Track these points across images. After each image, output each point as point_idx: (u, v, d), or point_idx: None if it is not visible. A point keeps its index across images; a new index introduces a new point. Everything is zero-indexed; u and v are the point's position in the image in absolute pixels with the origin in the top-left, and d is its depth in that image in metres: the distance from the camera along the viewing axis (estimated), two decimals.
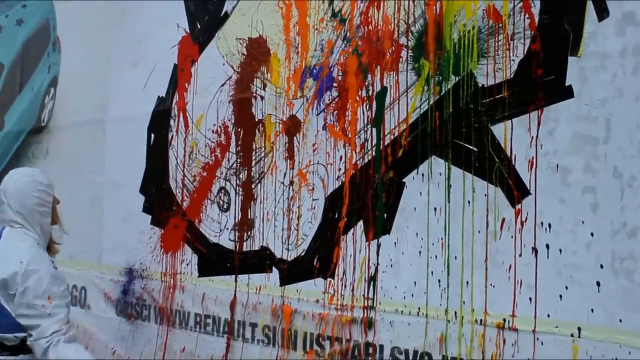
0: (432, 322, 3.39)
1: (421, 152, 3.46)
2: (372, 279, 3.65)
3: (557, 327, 2.97)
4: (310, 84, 3.99)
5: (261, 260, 4.20)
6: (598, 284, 2.88)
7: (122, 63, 5.28)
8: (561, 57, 3.01)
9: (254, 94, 4.28)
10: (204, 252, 4.55)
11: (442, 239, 3.38)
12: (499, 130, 3.19)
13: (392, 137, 3.59)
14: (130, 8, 5.23)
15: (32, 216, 3.60)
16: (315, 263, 3.91)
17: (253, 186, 4.26)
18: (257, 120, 4.27)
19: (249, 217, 4.28)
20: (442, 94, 3.40)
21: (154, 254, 4.86)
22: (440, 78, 3.41)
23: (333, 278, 3.82)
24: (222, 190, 4.44)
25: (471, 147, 3.27)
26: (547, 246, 3.02)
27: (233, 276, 4.35)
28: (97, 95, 5.48)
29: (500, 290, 3.16)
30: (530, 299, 3.06)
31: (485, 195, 3.22)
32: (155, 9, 5.00)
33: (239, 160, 4.36)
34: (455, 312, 3.31)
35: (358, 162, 3.73)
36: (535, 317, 3.04)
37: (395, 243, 3.56)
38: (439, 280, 3.38)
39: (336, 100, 3.86)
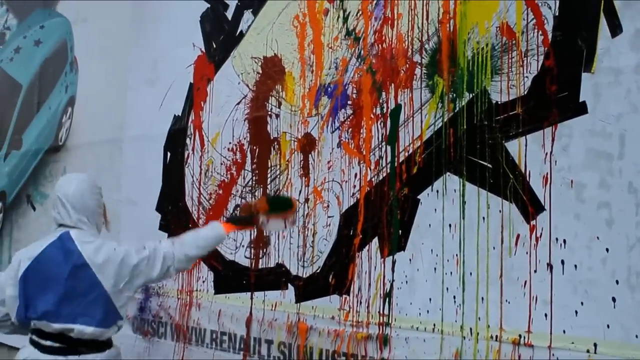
0: (447, 339, 3.39)
1: (436, 168, 3.47)
2: (388, 295, 3.65)
3: (573, 343, 2.96)
4: (325, 102, 4.02)
5: (277, 277, 4.21)
6: (614, 299, 2.87)
7: (138, 82, 5.32)
8: (575, 73, 3.01)
9: (269, 112, 4.31)
10: (220, 270, 4.57)
11: (457, 255, 3.38)
12: (513, 146, 3.20)
13: (406, 154, 3.60)
14: (146, 28, 5.29)
15: (94, 217, 3.78)
16: (330, 280, 3.92)
17: None
18: (272, 138, 4.29)
19: (265, 234, 4.30)
20: (456, 110, 3.41)
21: None
22: (454, 95, 3.42)
23: (348, 295, 3.83)
24: (238, 208, 4.46)
25: (485, 164, 3.28)
26: (562, 262, 3.01)
27: (249, 293, 4.36)
28: (114, 114, 5.53)
29: (515, 306, 3.15)
30: (545, 314, 3.06)
31: (500, 211, 3.23)
32: (171, 29, 5.05)
33: (254, 178, 4.39)
34: (471, 328, 3.30)
35: (373, 179, 3.74)
36: (551, 333, 3.03)
37: (410, 259, 3.57)
38: (454, 297, 3.38)
39: (351, 117, 3.88)
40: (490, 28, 3.33)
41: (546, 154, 3.09)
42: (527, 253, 3.13)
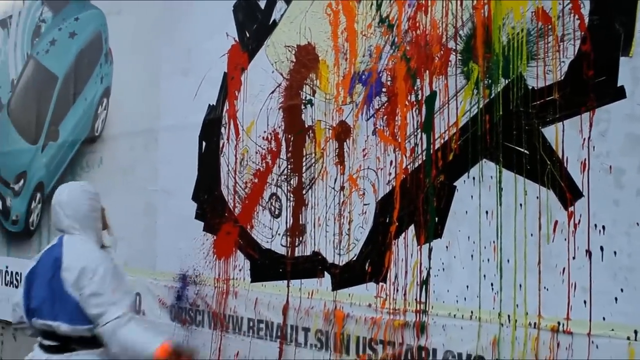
0: (485, 326, 3.39)
1: (472, 155, 3.46)
2: (424, 282, 3.65)
3: (612, 330, 2.94)
4: (360, 90, 4.01)
5: (313, 265, 4.22)
6: None
7: (172, 72, 5.34)
8: (612, 58, 2.98)
9: (304, 101, 4.31)
10: (256, 258, 4.59)
11: (494, 242, 3.37)
12: (550, 132, 3.18)
13: (442, 141, 3.59)
14: (180, 18, 5.30)
15: (87, 221, 3.95)
16: (367, 267, 3.93)
17: (304, 192, 4.29)
18: (307, 126, 4.29)
19: (301, 222, 4.31)
20: (491, 97, 3.39)
21: (207, 260, 4.91)
22: (490, 81, 3.40)
23: (385, 282, 3.83)
24: (274, 197, 4.48)
25: (522, 150, 3.26)
26: (602, 248, 2.99)
27: (285, 281, 4.38)
28: (149, 104, 5.56)
29: (554, 293, 3.14)
30: (584, 301, 3.04)
31: (537, 197, 3.21)
32: (205, 18, 5.06)
33: (289, 166, 4.40)
34: (509, 316, 3.30)
35: (408, 167, 3.73)
36: (590, 320, 3.02)
37: (447, 247, 3.56)
38: (492, 284, 3.37)
39: (385, 105, 3.87)
40: (525, 13, 3.30)
41: (584, 139, 3.06)
42: (565, 240, 3.11)
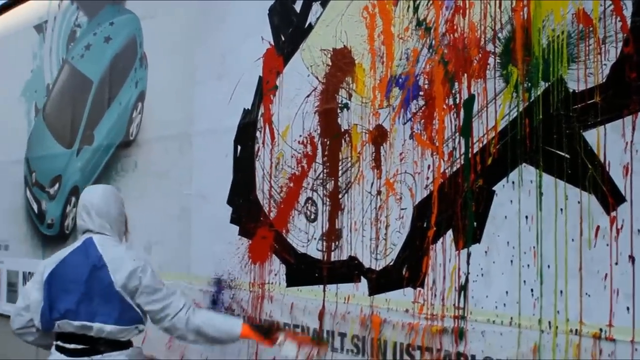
0: (525, 332, 3.34)
1: (511, 159, 3.42)
2: (463, 288, 3.62)
3: None
4: (396, 93, 3.98)
5: (349, 270, 4.20)
6: None
7: (207, 77, 5.35)
8: None
9: (340, 105, 4.30)
10: (291, 262, 4.58)
11: (534, 247, 3.32)
12: (591, 136, 3.13)
13: (480, 145, 3.55)
14: (214, 22, 5.31)
15: (117, 224, 4.05)
16: (404, 272, 3.90)
17: (340, 196, 4.27)
18: (343, 130, 4.27)
19: (337, 227, 4.29)
20: (531, 100, 3.35)
21: (242, 265, 4.91)
22: (530, 84, 3.36)
23: (423, 287, 3.80)
24: (309, 201, 4.47)
25: (563, 154, 3.21)
26: None
27: (321, 286, 4.36)
28: (184, 108, 5.58)
29: (596, 300, 3.09)
30: (627, 308, 2.99)
31: (579, 202, 3.16)
32: (239, 22, 5.06)
33: (325, 170, 4.38)
34: (550, 322, 3.25)
35: (446, 171, 3.70)
36: (633, 327, 2.96)
37: (485, 252, 3.52)
38: (532, 290, 3.33)
39: (423, 109, 3.84)
40: (565, 15, 3.26)
41: (626, 143, 3.01)
42: (607, 245, 3.06)
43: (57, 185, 7.44)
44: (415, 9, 3.91)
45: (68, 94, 7.37)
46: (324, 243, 4.37)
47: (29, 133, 8.06)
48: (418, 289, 3.82)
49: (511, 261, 3.41)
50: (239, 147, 5.02)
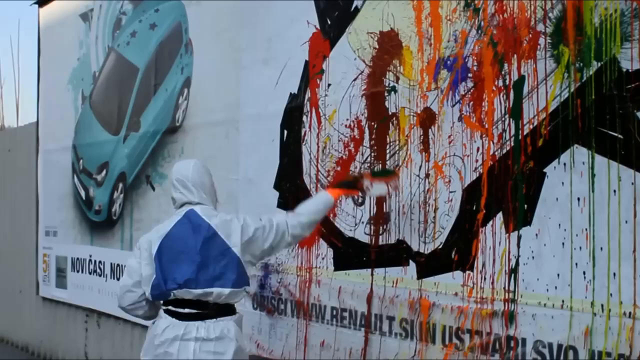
0: (577, 315, 3.31)
1: (562, 141, 3.38)
2: (513, 271, 3.59)
3: None
4: (445, 76, 3.95)
5: (398, 254, 4.19)
6: None
7: (253, 61, 5.36)
8: None
9: (387, 88, 4.28)
10: (339, 246, 4.58)
11: (586, 229, 3.28)
12: None
13: (531, 126, 3.51)
14: (260, 7, 5.31)
15: (211, 194, 4.20)
16: (453, 256, 3.88)
17: None
18: (390, 113, 4.26)
19: (385, 210, 4.28)
20: (583, 80, 3.30)
21: (289, 249, 4.91)
22: (582, 64, 3.31)
23: (472, 271, 3.78)
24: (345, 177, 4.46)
25: (616, 135, 3.17)
26: None
27: (369, 270, 4.36)
28: (230, 94, 5.59)
29: None
30: None
31: (632, 183, 3.11)
32: (285, 7, 5.06)
33: (373, 154, 4.37)
34: (602, 305, 3.21)
35: (496, 153, 3.67)
36: None
37: (536, 234, 3.49)
38: (584, 272, 3.29)
39: (472, 91, 3.81)
40: None
41: None
42: None
43: (104, 172, 7.52)
44: None
45: (114, 81, 7.43)
46: (372, 227, 4.36)
47: (76, 121, 8.16)
48: (467, 272, 3.80)
49: (563, 244, 3.37)
50: (285, 132, 5.02)
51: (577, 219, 3.32)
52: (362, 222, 4.42)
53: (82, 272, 7.89)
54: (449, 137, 3.91)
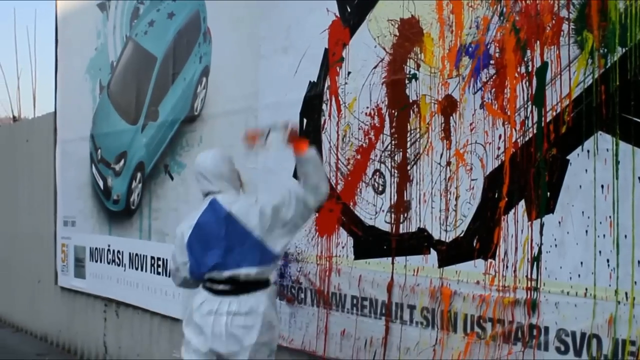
0: (600, 304, 3.28)
1: (586, 128, 3.35)
2: (536, 259, 3.57)
3: None
4: (466, 63, 3.93)
5: (418, 242, 4.17)
6: None
7: (272, 50, 5.34)
8: None
9: (408, 75, 4.25)
10: (359, 235, 4.56)
11: (610, 217, 3.26)
12: None
13: (554, 113, 3.48)
14: None
15: (231, 181, 4.41)
16: (474, 244, 3.86)
17: (409, 168, 4.24)
18: (411, 101, 4.23)
19: (405, 198, 4.26)
20: (607, 67, 3.27)
21: (309, 238, 4.91)
22: (606, 50, 3.28)
23: (494, 259, 3.76)
24: (377, 173, 4.44)
25: None
26: None
27: (390, 258, 4.34)
28: (249, 82, 5.58)
29: None
30: None
31: None
32: None
33: (393, 142, 4.34)
34: (626, 293, 3.19)
35: (518, 140, 3.64)
36: None
37: (559, 222, 3.46)
38: (608, 260, 3.26)
39: (494, 77, 3.78)
40: None
41: None
42: None
43: (122, 162, 7.54)
44: None
45: (132, 70, 7.44)
46: (393, 215, 4.35)
47: (94, 110, 8.17)
48: (489, 260, 3.78)
49: (586, 231, 3.35)
50: (305, 120, 5.01)
51: (600, 207, 3.29)
52: (383, 211, 4.41)
53: (101, 261, 7.92)
54: (471, 124, 3.89)
